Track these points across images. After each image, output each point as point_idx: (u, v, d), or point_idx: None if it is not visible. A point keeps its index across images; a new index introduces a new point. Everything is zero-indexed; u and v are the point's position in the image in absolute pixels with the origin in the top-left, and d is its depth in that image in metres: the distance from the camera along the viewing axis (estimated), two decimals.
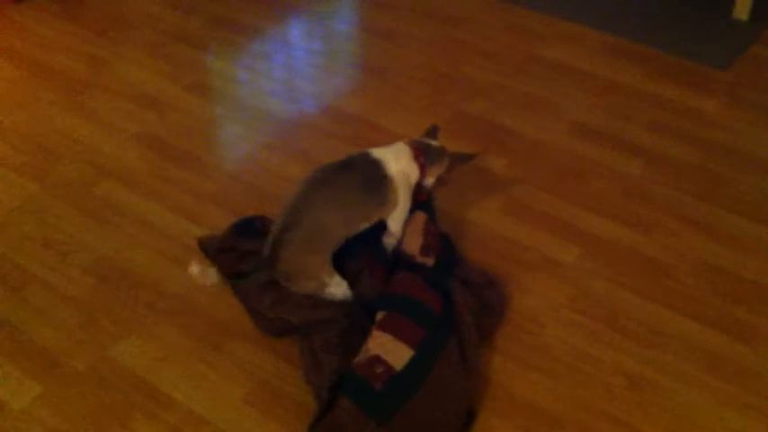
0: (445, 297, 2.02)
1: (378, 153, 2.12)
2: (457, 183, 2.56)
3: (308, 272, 1.98)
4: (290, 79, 3.10)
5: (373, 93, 3.03)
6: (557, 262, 2.31)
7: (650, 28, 3.45)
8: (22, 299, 2.14)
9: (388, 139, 2.71)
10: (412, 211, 2.18)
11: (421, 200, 2.22)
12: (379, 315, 1.95)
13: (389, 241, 2.17)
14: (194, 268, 2.09)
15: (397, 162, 2.12)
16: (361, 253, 2.10)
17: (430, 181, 2.23)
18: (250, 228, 2.23)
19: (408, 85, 3.07)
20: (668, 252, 2.35)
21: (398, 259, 2.14)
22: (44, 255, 2.27)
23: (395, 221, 2.14)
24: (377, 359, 1.82)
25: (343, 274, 2.04)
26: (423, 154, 2.17)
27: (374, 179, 2.07)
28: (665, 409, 1.91)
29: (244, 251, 2.13)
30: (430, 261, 2.12)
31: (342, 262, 2.06)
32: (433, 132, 2.31)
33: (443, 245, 2.21)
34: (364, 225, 2.09)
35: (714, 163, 2.70)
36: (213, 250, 2.19)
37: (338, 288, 2.01)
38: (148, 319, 2.10)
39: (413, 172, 2.15)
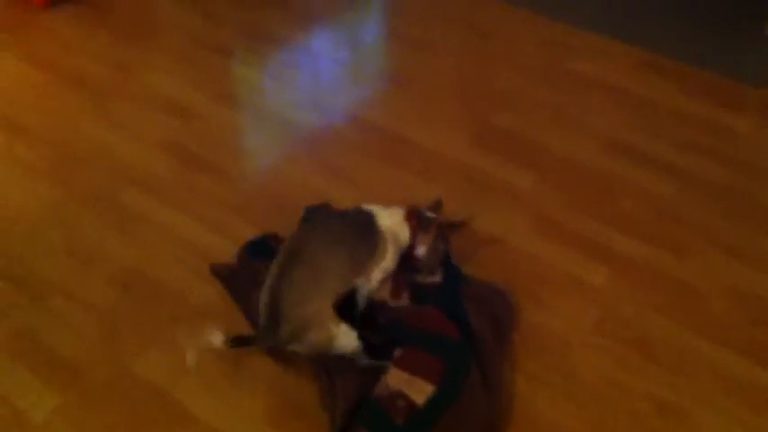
0: (460, 321, 1.99)
1: (370, 207, 2.12)
2: (484, 199, 2.53)
3: (311, 321, 1.89)
4: (316, 89, 3.09)
5: (401, 104, 3.00)
6: (584, 282, 2.27)
7: (683, 44, 3.40)
8: (45, 308, 2.13)
9: (415, 152, 2.71)
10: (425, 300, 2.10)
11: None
12: (397, 352, 1.91)
13: (363, 286, 2.06)
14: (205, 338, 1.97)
15: (389, 218, 2.10)
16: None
17: (422, 250, 2.13)
18: (263, 248, 2.20)
19: (437, 97, 3.04)
20: (699, 275, 2.30)
21: (371, 309, 2.07)
22: (67, 263, 2.26)
23: (377, 271, 2.05)
24: (399, 394, 1.79)
25: None
26: (415, 218, 2.14)
27: (365, 230, 2.05)
28: None
29: (256, 274, 2.10)
30: (404, 300, 2.08)
31: None
32: (436, 205, 2.23)
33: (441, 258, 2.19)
34: (358, 279, 2.02)
35: (747, 184, 2.64)
36: (226, 274, 2.18)
37: (347, 338, 1.90)
38: (171, 330, 2.08)
39: (403, 232, 2.11)
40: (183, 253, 2.31)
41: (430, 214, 2.18)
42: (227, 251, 2.27)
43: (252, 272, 2.13)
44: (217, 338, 1.92)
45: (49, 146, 2.70)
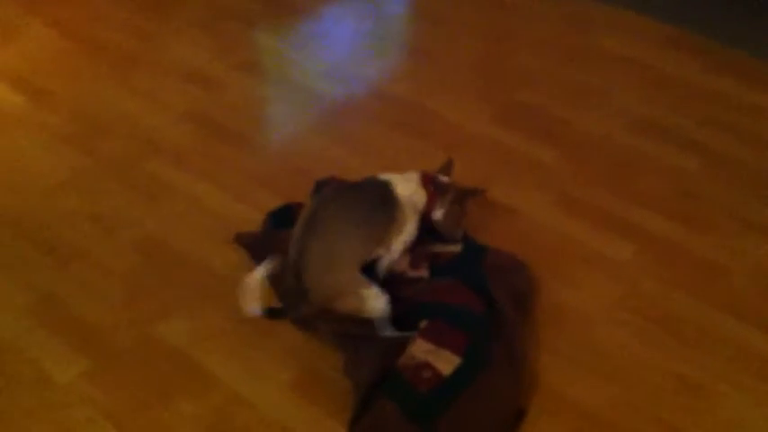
0: (485, 295, 1.98)
1: (386, 176, 2.10)
2: (507, 174, 2.52)
3: (340, 288, 1.90)
4: (339, 61, 3.07)
5: (423, 77, 2.98)
6: (607, 258, 2.26)
7: (711, 20, 3.36)
8: (69, 273, 2.14)
9: (437, 125, 2.70)
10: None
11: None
12: (423, 323, 1.91)
13: (384, 257, 2.08)
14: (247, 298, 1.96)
15: (405, 186, 2.09)
16: None
17: (438, 214, 2.14)
18: (286, 216, 2.21)
19: (459, 71, 3.02)
20: (723, 253, 2.29)
21: (391, 280, 2.07)
22: (92, 229, 2.27)
23: (397, 242, 2.07)
24: (425, 365, 1.79)
25: None
26: (432, 183, 2.13)
27: (382, 198, 2.04)
28: (716, 416, 1.87)
29: (280, 242, 2.07)
30: (424, 272, 2.09)
31: None
32: (447, 167, 2.23)
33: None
34: (378, 249, 2.04)
35: None
36: (250, 243, 2.18)
37: (378, 300, 1.91)
38: (194, 298, 2.08)
39: (420, 198, 2.11)
40: (207, 221, 2.31)
41: (443, 178, 2.17)
42: (249, 219, 2.27)
43: (275, 240, 2.13)
44: (254, 309, 1.91)
45: (74, 113, 2.70)
